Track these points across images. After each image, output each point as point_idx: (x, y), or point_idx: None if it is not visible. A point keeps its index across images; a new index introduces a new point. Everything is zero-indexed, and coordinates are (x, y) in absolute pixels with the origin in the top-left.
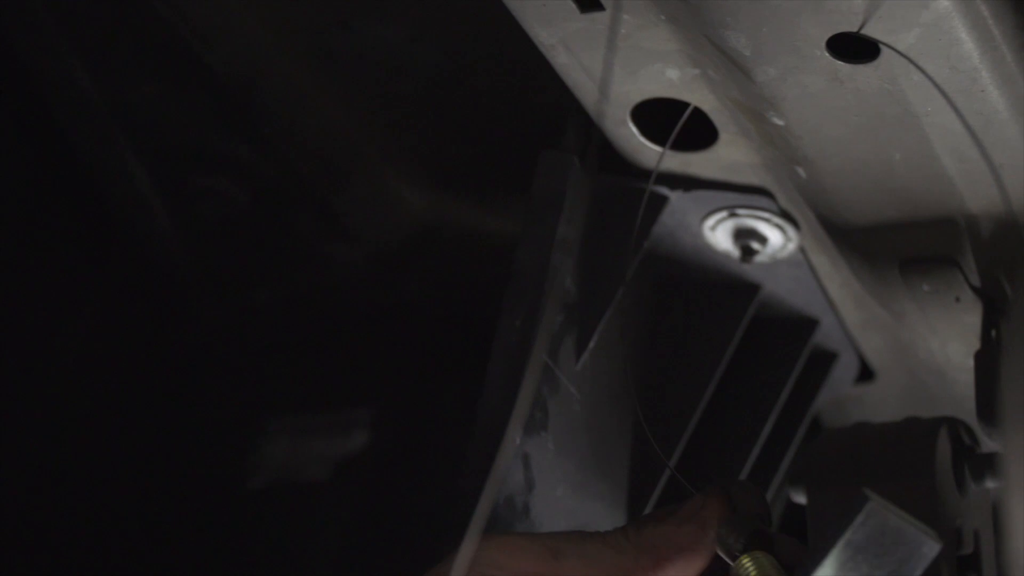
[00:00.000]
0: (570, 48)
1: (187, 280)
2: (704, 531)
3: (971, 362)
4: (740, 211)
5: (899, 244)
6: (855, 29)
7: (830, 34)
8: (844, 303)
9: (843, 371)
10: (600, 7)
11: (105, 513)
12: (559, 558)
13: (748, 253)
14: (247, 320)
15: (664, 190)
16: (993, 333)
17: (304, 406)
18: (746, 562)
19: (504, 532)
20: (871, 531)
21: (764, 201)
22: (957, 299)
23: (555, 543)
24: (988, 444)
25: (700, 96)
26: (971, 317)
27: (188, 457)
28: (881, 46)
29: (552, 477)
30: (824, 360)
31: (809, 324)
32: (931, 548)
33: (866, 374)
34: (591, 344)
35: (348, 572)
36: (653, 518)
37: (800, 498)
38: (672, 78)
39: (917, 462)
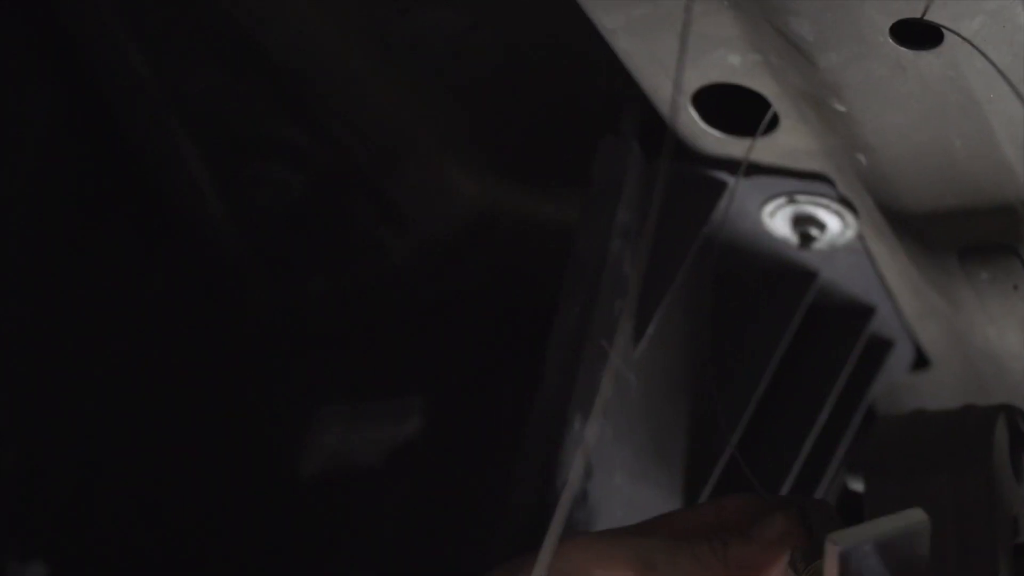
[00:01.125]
0: (632, 33)
1: (242, 268)
2: (785, 553)
3: None
4: (799, 197)
5: (958, 231)
6: (919, 15)
7: (893, 20)
8: (901, 291)
9: (899, 359)
10: None
11: (158, 498)
12: (650, 569)
13: (806, 240)
14: (302, 308)
15: (724, 176)
16: None
17: (359, 395)
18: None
19: (591, 535)
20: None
21: (823, 188)
22: (1015, 287)
23: (647, 553)
24: None
25: (762, 82)
26: None
27: (242, 444)
28: (944, 32)
29: (610, 464)
30: (880, 347)
31: (866, 311)
32: (921, 523)
33: (922, 362)
34: (649, 331)
35: (402, 560)
36: (737, 534)
37: (858, 485)
38: (734, 64)
39: (975, 450)
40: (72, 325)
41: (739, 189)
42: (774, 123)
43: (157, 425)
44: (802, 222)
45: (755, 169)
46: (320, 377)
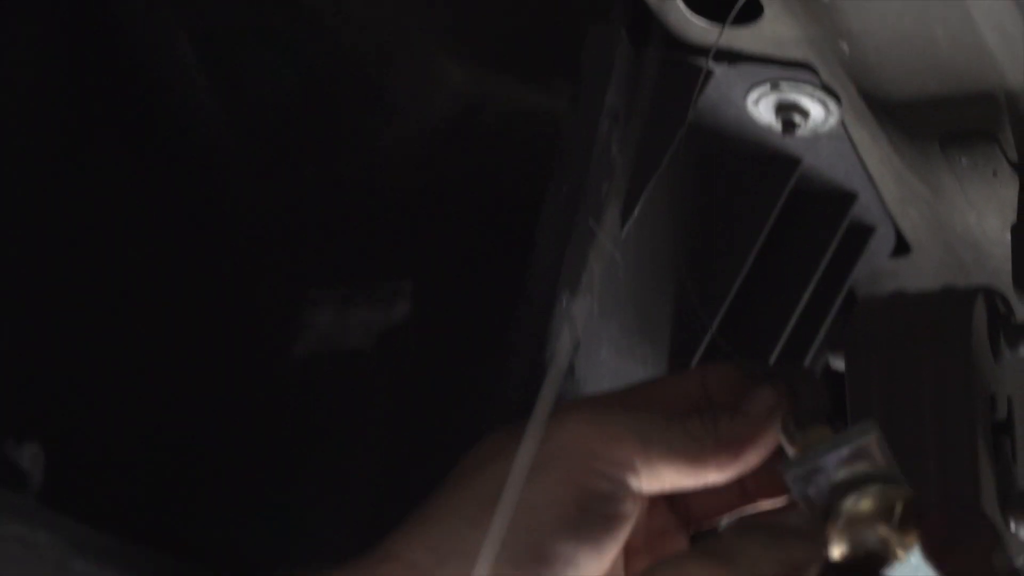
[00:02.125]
0: None
1: (232, 158)
2: (775, 426)
3: (1007, 236)
4: (783, 85)
5: (939, 118)
6: None
7: None
8: (883, 177)
9: (880, 244)
10: None
11: (148, 385)
12: (647, 445)
13: (789, 126)
14: (291, 196)
15: (709, 64)
16: None
17: (348, 281)
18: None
19: (588, 405)
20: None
21: (807, 75)
22: (995, 173)
23: (643, 429)
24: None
25: None
26: (1008, 191)
27: (233, 332)
28: None
29: (596, 339)
30: (862, 233)
31: (848, 197)
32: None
33: (902, 247)
34: (635, 212)
35: (395, 439)
36: (726, 408)
37: (839, 364)
38: None
39: (954, 329)
40: (59, 218)
41: (724, 77)
42: (758, 11)
43: (147, 315)
44: (785, 109)
45: (739, 57)
46: (310, 264)
